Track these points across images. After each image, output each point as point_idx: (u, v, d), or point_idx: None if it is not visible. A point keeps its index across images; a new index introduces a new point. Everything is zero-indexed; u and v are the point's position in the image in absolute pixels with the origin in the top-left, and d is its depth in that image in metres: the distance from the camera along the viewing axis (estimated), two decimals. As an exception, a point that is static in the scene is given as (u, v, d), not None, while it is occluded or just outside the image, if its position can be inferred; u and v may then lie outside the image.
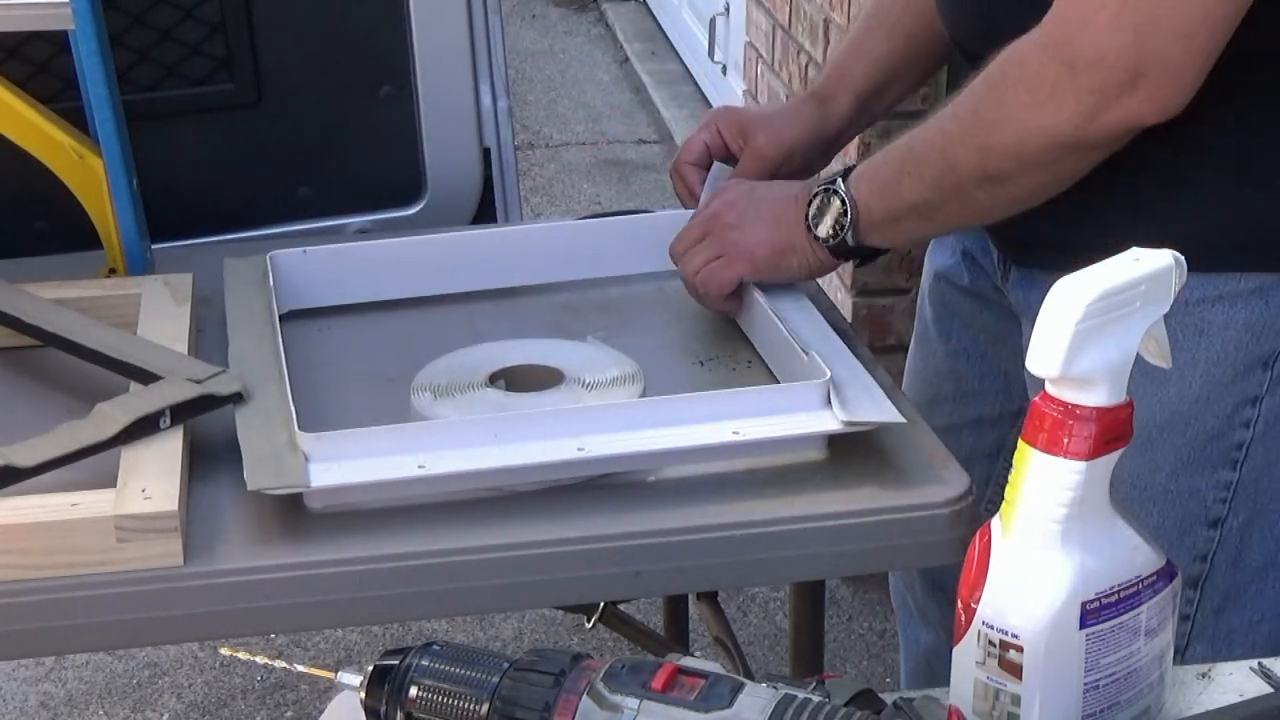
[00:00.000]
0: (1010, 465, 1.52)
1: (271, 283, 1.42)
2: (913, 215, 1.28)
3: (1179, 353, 1.21)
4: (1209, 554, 1.28)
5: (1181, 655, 1.28)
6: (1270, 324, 1.23)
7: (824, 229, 1.31)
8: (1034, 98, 1.15)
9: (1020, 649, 0.86)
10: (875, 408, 1.22)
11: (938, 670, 1.65)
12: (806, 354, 1.27)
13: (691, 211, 1.45)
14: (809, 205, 1.32)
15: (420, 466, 1.15)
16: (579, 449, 1.17)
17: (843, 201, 1.29)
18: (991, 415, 1.52)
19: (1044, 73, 1.14)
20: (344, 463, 1.16)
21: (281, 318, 1.43)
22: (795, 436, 1.21)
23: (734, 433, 1.20)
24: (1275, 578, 1.30)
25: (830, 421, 1.20)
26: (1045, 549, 0.85)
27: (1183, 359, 1.22)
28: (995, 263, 1.41)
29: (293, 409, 1.20)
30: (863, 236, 1.30)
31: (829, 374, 1.22)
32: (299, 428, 1.17)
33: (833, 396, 1.21)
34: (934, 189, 1.24)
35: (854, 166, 1.30)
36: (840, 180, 1.29)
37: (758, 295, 1.38)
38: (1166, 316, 1.19)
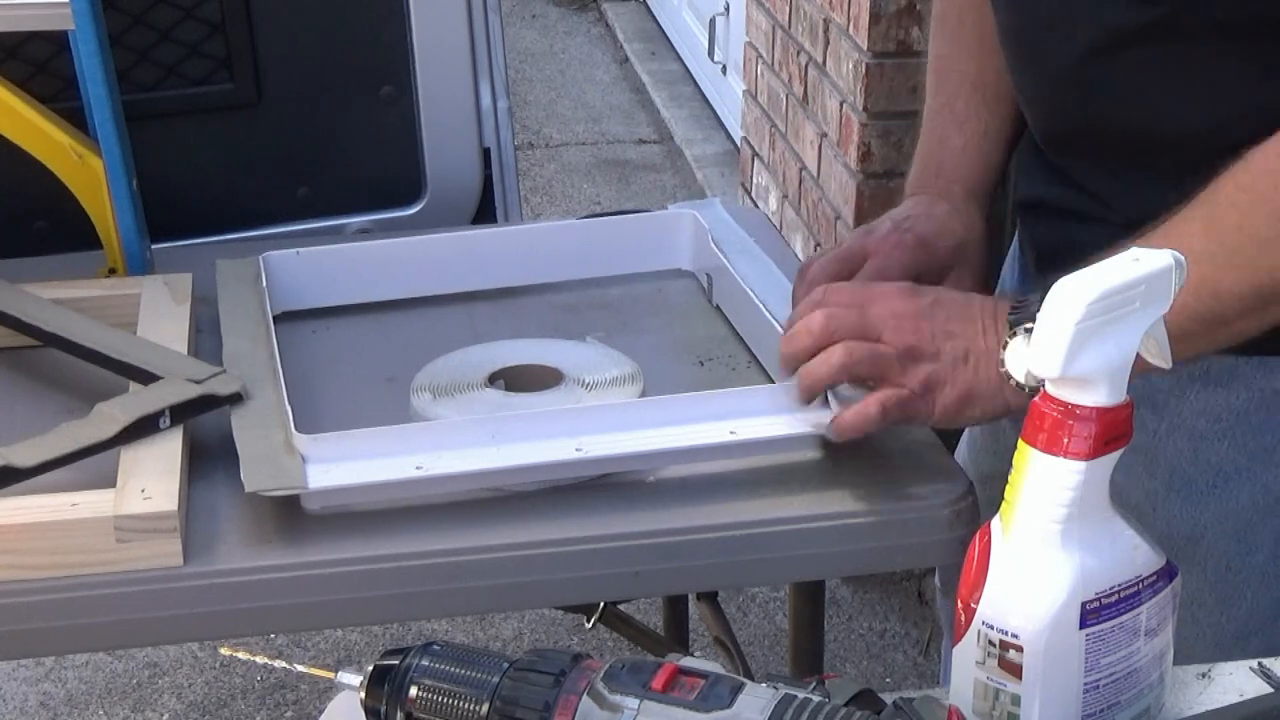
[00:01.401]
0: None
1: (265, 284, 1.42)
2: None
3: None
4: None
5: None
6: None
7: (1022, 374, 1.04)
8: None
9: (1020, 649, 0.86)
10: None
11: None
12: None
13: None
14: (1005, 345, 1.06)
15: (418, 468, 1.15)
16: (576, 449, 1.17)
17: None
18: None
19: None
20: (341, 464, 1.15)
21: (279, 318, 1.43)
22: (792, 436, 1.21)
23: (731, 432, 1.19)
24: None
25: (826, 421, 1.20)
26: (1045, 549, 0.85)
27: None
28: None
29: (289, 410, 1.20)
30: None
31: None
32: (296, 429, 1.17)
33: (830, 396, 1.21)
34: (1191, 325, 1.05)
35: (1040, 297, 1.08)
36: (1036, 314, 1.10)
37: (750, 294, 1.38)
38: (1275, 399, 1.17)
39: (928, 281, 1.23)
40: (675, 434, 1.19)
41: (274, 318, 1.42)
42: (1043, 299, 1.04)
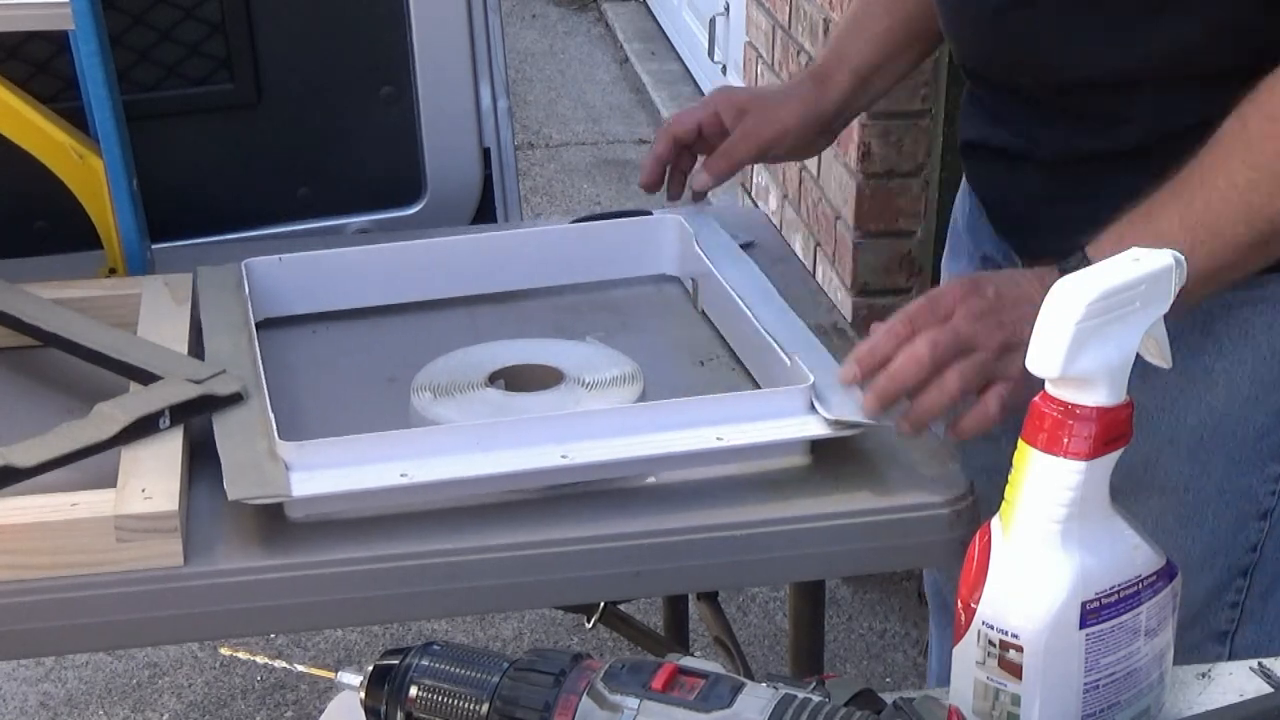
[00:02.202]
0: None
1: (247, 290, 1.41)
2: (1208, 284, 1.13)
3: (1225, 357, 1.23)
4: (1259, 544, 1.29)
5: (1231, 639, 1.31)
6: None
7: None
8: None
9: (1020, 649, 0.86)
10: (858, 410, 1.21)
11: None
12: (790, 358, 1.27)
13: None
14: None
15: (402, 475, 1.15)
16: (562, 456, 1.17)
17: None
18: None
19: None
20: (325, 471, 1.15)
21: (277, 320, 1.44)
22: (779, 442, 1.21)
23: (718, 438, 1.19)
24: None
25: (814, 426, 1.20)
26: (1045, 549, 0.85)
27: (1229, 361, 1.23)
28: None
29: (272, 417, 1.19)
30: None
31: (812, 379, 1.22)
32: (279, 435, 1.17)
33: (815, 401, 1.21)
34: (1240, 251, 1.12)
35: (1082, 257, 1.12)
36: None
37: (736, 299, 1.38)
38: (1209, 321, 1.20)
39: (726, 116, 1.46)
40: (663, 440, 1.19)
41: (266, 321, 1.42)
42: (1081, 260, 1.10)
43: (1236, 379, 1.24)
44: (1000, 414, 1.15)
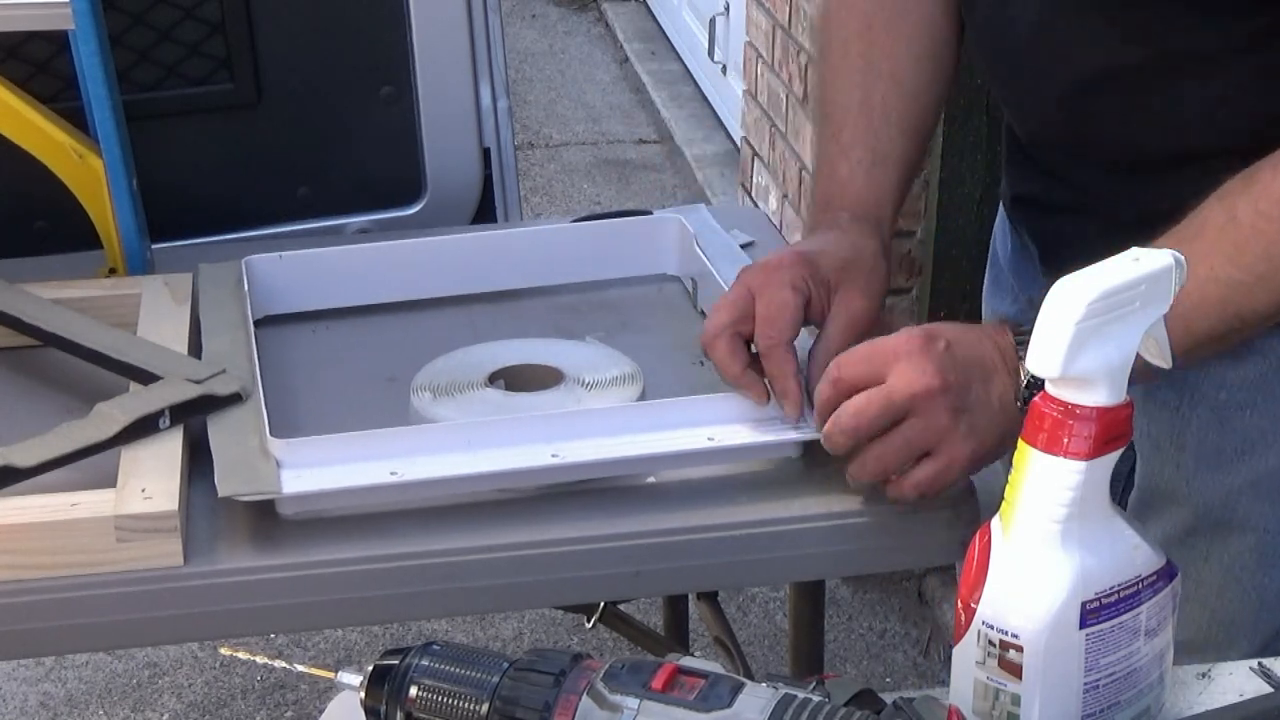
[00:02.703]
0: None
1: (246, 288, 1.41)
2: (1150, 375, 1.07)
3: None
4: None
5: None
6: None
7: None
8: None
9: (1020, 649, 0.86)
10: None
11: None
12: None
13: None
14: (1028, 384, 1.06)
15: (392, 473, 1.15)
16: (553, 455, 1.17)
17: None
18: None
19: None
20: (316, 469, 1.15)
21: (278, 317, 1.44)
22: (770, 443, 1.21)
23: (709, 439, 1.19)
24: None
25: (806, 429, 1.20)
26: (1045, 549, 0.85)
27: None
28: None
29: (265, 414, 1.20)
30: None
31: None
32: (271, 432, 1.17)
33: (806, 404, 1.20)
34: (1209, 342, 1.09)
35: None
36: None
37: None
38: None
39: (816, 301, 1.20)
40: (654, 440, 1.19)
41: (267, 319, 1.42)
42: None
43: None
44: (930, 485, 1.11)
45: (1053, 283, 1.35)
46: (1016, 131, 1.33)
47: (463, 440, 1.17)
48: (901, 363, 1.08)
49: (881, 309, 1.25)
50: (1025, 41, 1.23)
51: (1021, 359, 1.08)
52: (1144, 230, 1.15)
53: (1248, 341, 1.18)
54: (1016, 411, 1.08)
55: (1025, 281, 1.42)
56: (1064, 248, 1.31)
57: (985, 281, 1.53)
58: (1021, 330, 1.09)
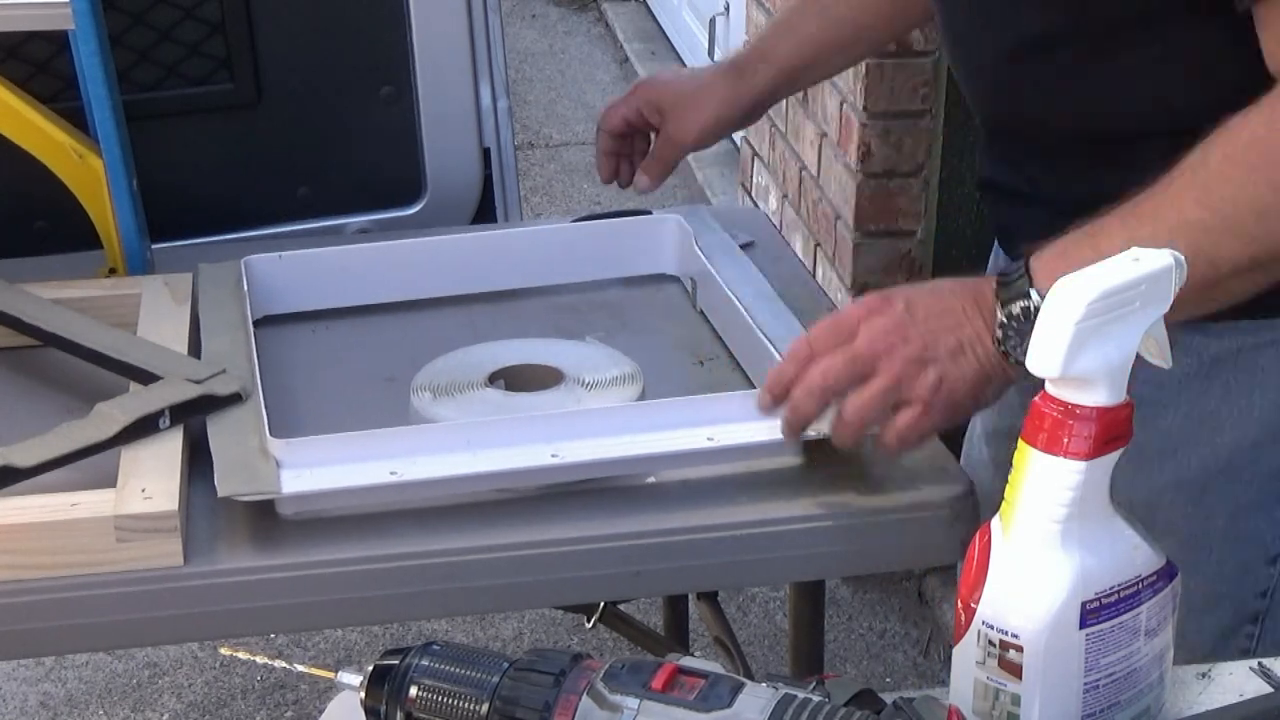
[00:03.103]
0: None
1: (246, 288, 1.41)
2: None
3: (1232, 401, 1.22)
4: (1269, 590, 1.28)
5: None
6: None
7: (1022, 347, 1.07)
8: None
9: (1020, 649, 0.86)
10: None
11: None
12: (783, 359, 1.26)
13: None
14: (1002, 327, 1.10)
15: (392, 473, 1.15)
16: (552, 455, 1.17)
17: None
18: None
19: None
20: (316, 469, 1.15)
21: (278, 318, 1.44)
22: (770, 443, 1.21)
23: (708, 439, 1.19)
24: None
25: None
26: (1045, 549, 0.85)
27: (1237, 405, 1.22)
28: None
29: (264, 414, 1.20)
30: None
31: None
32: (271, 433, 1.17)
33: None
34: (1188, 293, 1.06)
35: (1023, 268, 1.10)
36: (1031, 292, 1.09)
37: (733, 298, 1.38)
38: (1216, 365, 1.20)
39: (650, 114, 1.51)
40: (653, 440, 1.19)
41: (266, 318, 1.42)
42: (1021, 272, 1.09)
43: (1244, 423, 1.22)
44: (909, 434, 1.13)
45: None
46: (971, 110, 1.36)
47: (462, 440, 1.17)
48: (863, 324, 1.12)
49: (714, 134, 1.52)
50: (962, 6, 1.26)
51: (1000, 301, 1.10)
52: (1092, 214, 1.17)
53: (1174, 339, 1.17)
54: (993, 356, 1.10)
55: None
56: (1017, 234, 1.32)
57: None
58: (1005, 275, 1.11)
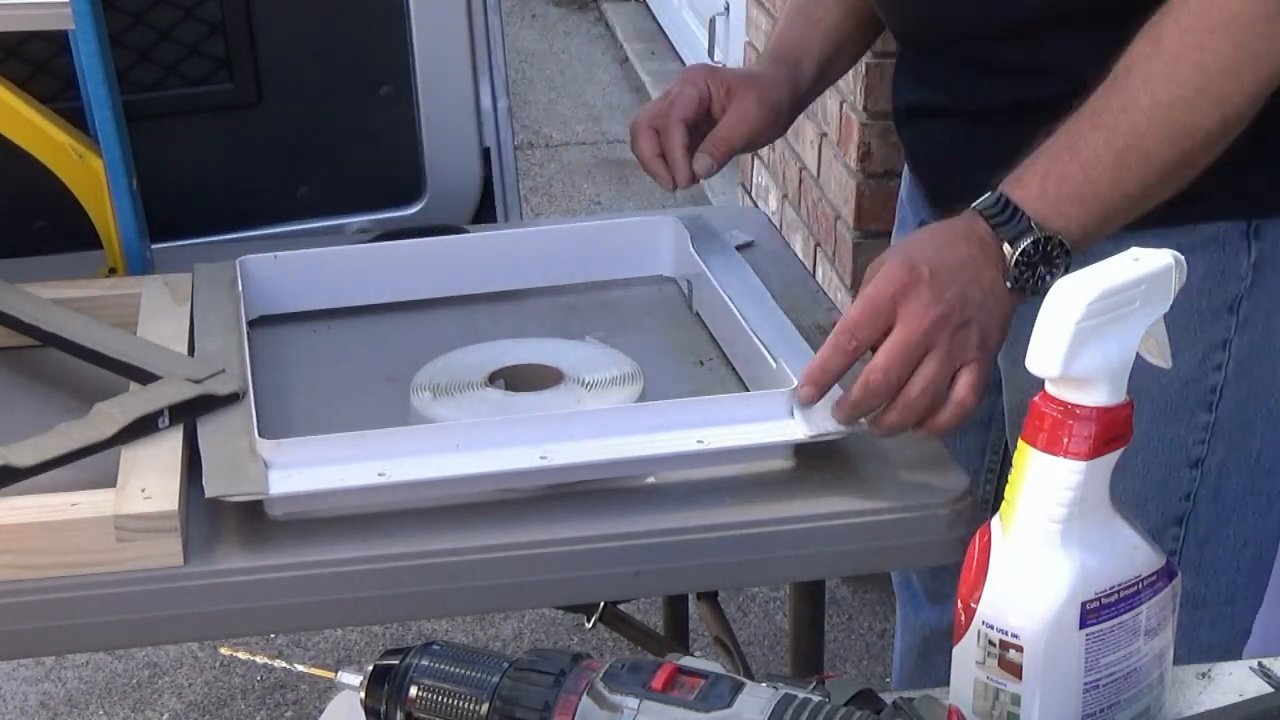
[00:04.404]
0: (1001, 430, 1.51)
1: (240, 288, 1.41)
2: (1138, 208, 1.16)
3: None
4: (1192, 492, 1.32)
5: None
6: (1230, 269, 1.26)
7: (1036, 279, 1.14)
8: (1246, 35, 1.10)
9: (1020, 649, 0.86)
10: (833, 421, 1.20)
11: (932, 647, 1.67)
12: (775, 361, 1.26)
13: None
14: (1018, 265, 1.14)
15: (381, 474, 1.15)
16: (541, 457, 1.17)
17: (1056, 245, 1.14)
18: None
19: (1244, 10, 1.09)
20: (304, 470, 1.15)
21: (276, 318, 1.44)
22: (760, 446, 1.21)
23: (698, 441, 1.19)
24: (1253, 505, 1.35)
25: (797, 431, 1.20)
26: (1045, 549, 0.85)
27: None
28: None
29: (254, 415, 1.20)
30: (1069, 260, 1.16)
31: (795, 383, 1.21)
32: (271, 434, 1.17)
33: (794, 407, 1.20)
34: (1167, 171, 1.14)
35: (1004, 200, 1.14)
36: (1031, 223, 1.13)
37: (727, 301, 1.38)
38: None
39: (716, 101, 1.41)
40: (644, 442, 1.19)
41: (264, 319, 1.42)
42: (1004, 205, 1.13)
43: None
44: (974, 399, 1.15)
45: (930, 202, 1.39)
46: (886, 24, 1.40)
47: (452, 441, 1.17)
48: (901, 306, 1.12)
49: (777, 125, 1.44)
50: None
51: (1005, 241, 1.13)
52: (1005, 132, 1.19)
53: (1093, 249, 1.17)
54: (1009, 293, 1.14)
55: (917, 207, 1.47)
56: (931, 153, 1.39)
57: (893, 232, 1.58)
58: (990, 211, 1.14)
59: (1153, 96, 1.11)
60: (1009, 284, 1.14)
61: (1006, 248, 1.13)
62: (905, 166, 1.53)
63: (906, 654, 1.76)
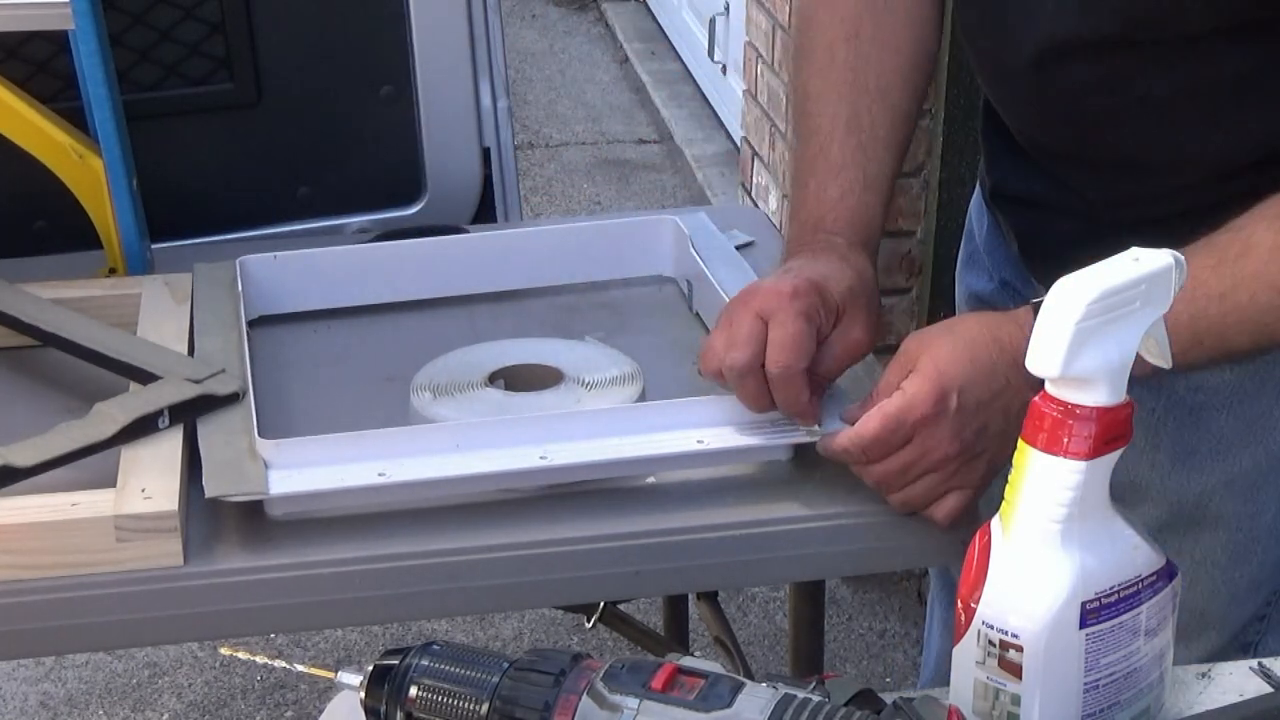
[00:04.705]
0: None
1: (240, 288, 1.41)
2: (1192, 370, 1.14)
3: None
4: None
5: (1255, 649, 1.33)
6: None
7: None
8: None
9: (1020, 649, 0.86)
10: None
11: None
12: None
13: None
14: None
15: (380, 474, 1.15)
16: (541, 457, 1.17)
17: None
18: None
19: None
20: (304, 470, 1.15)
21: (276, 318, 1.44)
22: (760, 446, 1.21)
23: (698, 441, 1.19)
24: None
25: (797, 433, 1.20)
26: (1045, 549, 0.85)
27: None
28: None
29: (254, 415, 1.20)
30: None
31: None
32: (271, 434, 1.17)
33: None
34: (1236, 358, 1.14)
35: None
36: None
37: (727, 300, 1.37)
38: (1271, 366, 1.21)
39: (823, 330, 1.18)
40: (644, 443, 1.19)
41: (265, 319, 1.42)
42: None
43: None
44: (944, 525, 1.16)
45: (1029, 272, 1.35)
46: (1003, 119, 1.31)
47: (452, 442, 1.17)
48: (919, 432, 1.11)
49: (876, 336, 1.23)
50: (994, 10, 1.21)
51: None
52: (1129, 234, 1.15)
53: None
54: None
55: (998, 262, 1.42)
56: (1043, 242, 1.32)
57: (959, 257, 1.53)
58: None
59: (1253, 296, 1.06)
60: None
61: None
62: (984, 214, 1.43)
63: (945, 655, 1.72)
